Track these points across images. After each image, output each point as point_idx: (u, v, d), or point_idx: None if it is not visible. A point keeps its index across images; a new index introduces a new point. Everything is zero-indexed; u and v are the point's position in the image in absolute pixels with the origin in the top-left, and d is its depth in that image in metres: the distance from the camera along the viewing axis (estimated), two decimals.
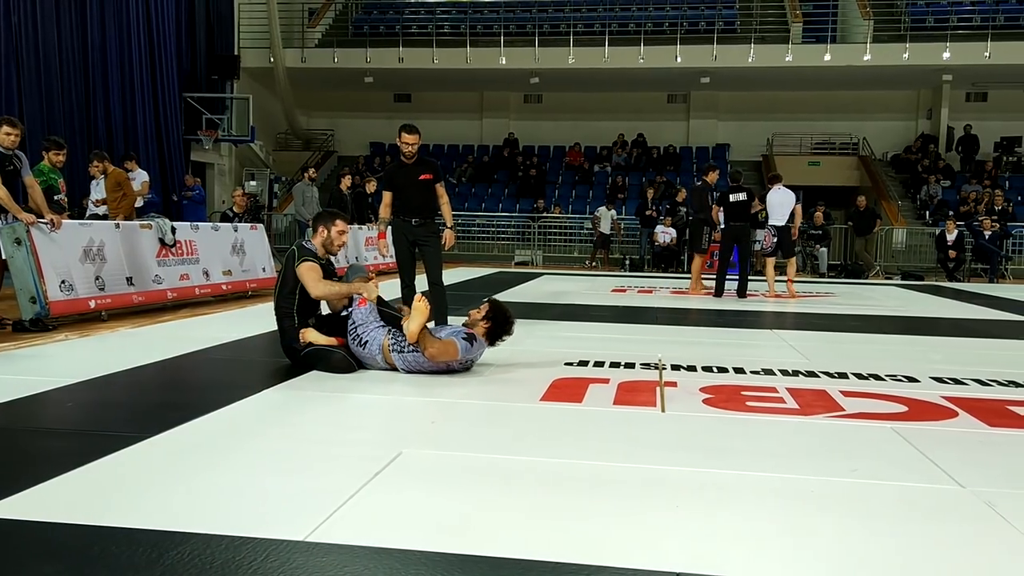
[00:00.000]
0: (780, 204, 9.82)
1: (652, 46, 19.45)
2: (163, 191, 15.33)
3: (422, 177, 5.94)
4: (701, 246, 10.46)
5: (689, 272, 15.81)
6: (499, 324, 4.64)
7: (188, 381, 4.57)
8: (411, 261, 6.11)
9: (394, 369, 4.47)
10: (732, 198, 9.58)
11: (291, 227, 17.48)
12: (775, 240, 9.95)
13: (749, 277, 10.14)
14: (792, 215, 9.83)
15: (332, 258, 4.98)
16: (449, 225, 6.18)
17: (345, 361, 4.48)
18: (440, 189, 6.07)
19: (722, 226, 10.20)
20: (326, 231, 4.79)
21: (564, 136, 22.66)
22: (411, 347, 4.38)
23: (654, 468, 2.89)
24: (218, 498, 2.48)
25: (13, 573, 1.92)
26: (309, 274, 4.61)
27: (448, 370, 4.48)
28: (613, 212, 17.46)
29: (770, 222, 9.95)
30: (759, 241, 10.50)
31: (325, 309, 4.89)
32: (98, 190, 9.95)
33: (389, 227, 6.10)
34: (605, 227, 17.13)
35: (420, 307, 4.31)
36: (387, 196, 6.06)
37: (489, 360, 4.96)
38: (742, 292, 9.79)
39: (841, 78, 19.89)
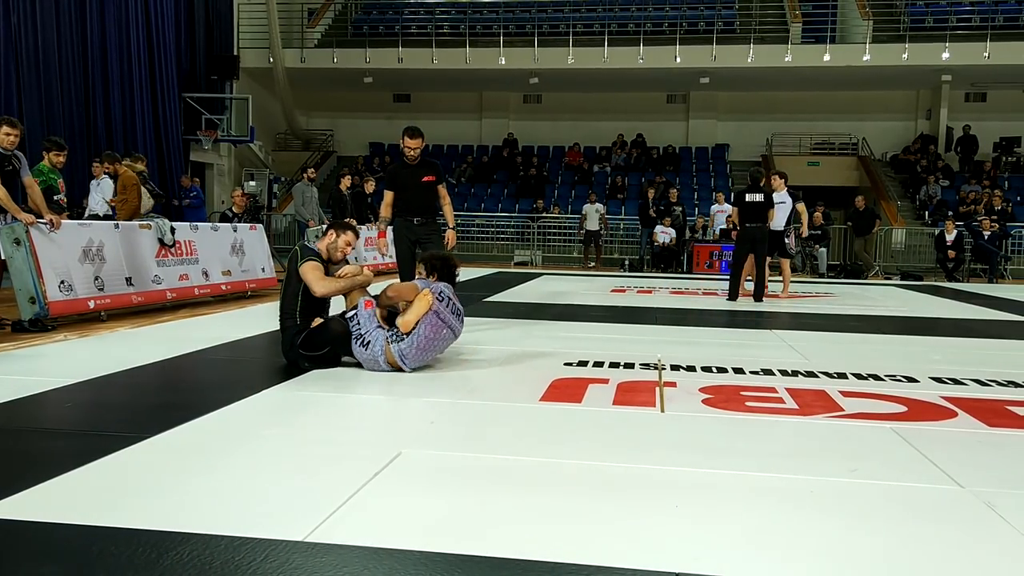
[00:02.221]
0: (778, 210, 9.89)
1: (651, 46, 19.46)
2: (162, 191, 15.31)
3: (424, 179, 6.03)
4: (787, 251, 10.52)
5: (689, 272, 15.96)
6: (445, 273, 4.74)
7: (188, 381, 4.57)
8: (412, 260, 6.13)
9: (396, 370, 4.47)
10: (748, 198, 9.36)
11: (291, 227, 17.50)
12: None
13: (765, 280, 9.75)
14: (790, 219, 10.18)
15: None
16: (451, 226, 6.26)
17: (343, 325, 4.53)
18: (442, 190, 6.16)
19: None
20: (335, 236, 4.85)
21: (563, 136, 22.66)
22: (403, 335, 4.45)
23: (653, 468, 2.89)
24: (218, 498, 2.48)
25: (13, 573, 1.92)
26: (312, 273, 4.65)
27: (444, 343, 4.63)
28: (599, 206, 17.23)
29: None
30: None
31: (332, 310, 4.91)
32: (99, 190, 9.95)
33: (390, 226, 6.18)
34: (592, 224, 17.06)
35: (427, 299, 4.47)
36: (388, 195, 6.14)
37: (489, 360, 4.97)
38: (758, 296, 9.49)
39: (840, 78, 19.90)
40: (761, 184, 9.52)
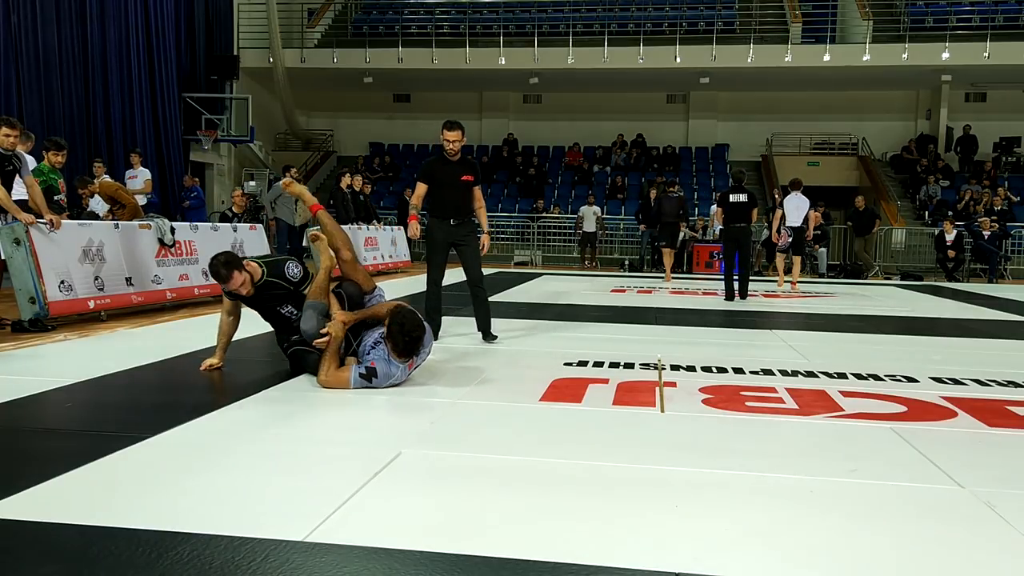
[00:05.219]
0: (796, 208, 11.19)
1: (651, 46, 19.46)
2: (162, 191, 15.33)
3: (464, 177, 5.78)
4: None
5: (689, 272, 15.98)
6: (396, 342, 4.00)
7: (187, 381, 4.57)
8: (443, 261, 5.91)
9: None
10: (732, 199, 9.56)
11: (284, 227, 17.47)
12: (790, 239, 11.35)
13: (749, 278, 10.15)
14: (806, 218, 11.26)
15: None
16: (485, 230, 6.03)
17: (316, 365, 4.35)
18: (477, 192, 5.93)
19: (721, 226, 10.30)
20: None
21: (563, 136, 22.66)
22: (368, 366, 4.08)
23: (653, 468, 2.89)
24: (218, 498, 2.48)
25: (12, 573, 1.92)
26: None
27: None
28: (596, 209, 17.35)
29: (787, 223, 11.24)
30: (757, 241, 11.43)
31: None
32: (98, 205, 9.97)
33: (415, 222, 5.99)
34: (589, 226, 17.12)
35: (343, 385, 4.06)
36: (421, 188, 5.87)
37: (489, 360, 4.97)
38: (743, 293, 9.79)
39: (840, 78, 19.91)
40: (744, 184, 9.84)
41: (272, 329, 4.73)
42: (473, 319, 6.00)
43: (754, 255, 12.58)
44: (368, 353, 4.14)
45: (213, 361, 4.56)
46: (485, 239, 5.96)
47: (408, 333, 3.99)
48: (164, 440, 3.09)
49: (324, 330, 4.14)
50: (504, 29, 20.34)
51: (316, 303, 4.30)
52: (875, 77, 19.81)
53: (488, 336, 5.82)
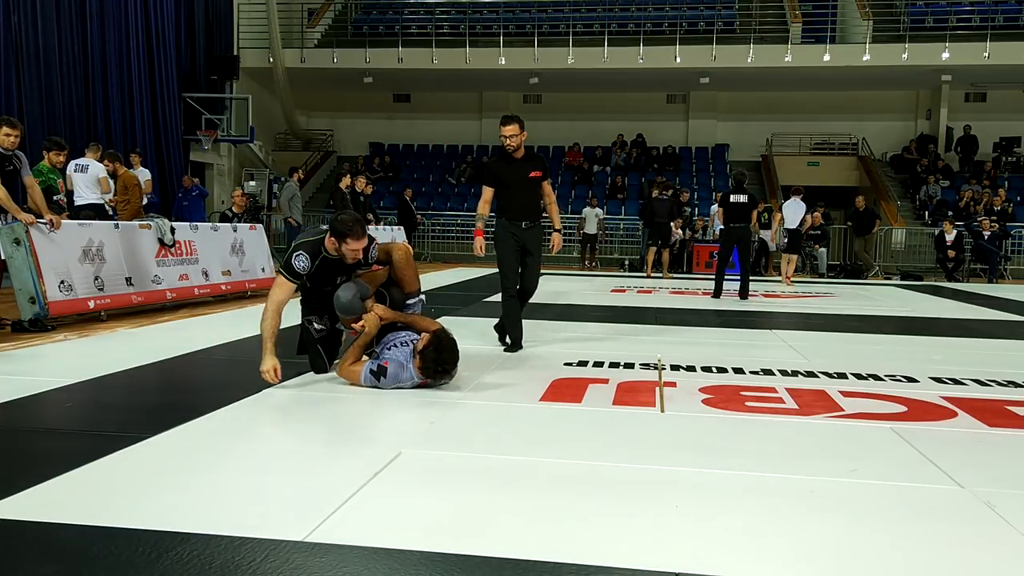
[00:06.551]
0: (793, 213, 12.85)
1: (651, 46, 19.46)
2: (162, 191, 15.33)
3: (532, 174, 5.38)
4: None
5: (689, 272, 16.00)
6: (427, 362, 4.00)
7: (187, 381, 4.57)
8: (517, 268, 5.53)
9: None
10: (733, 199, 9.65)
11: (297, 227, 17.49)
12: (786, 240, 12.85)
13: (749, 278, 10.20)
14: (802, 221, 12.90)
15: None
16: (557, 227, 5.62)
17: (322, 370, 4.43)
18: (547, 187, 5.54)
19: (721, 226, 10.35)
20: (337, 245, 4.20)
21: (563, 136, 22.65)
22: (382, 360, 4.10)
23: (654, 468, 2.89)
24: (218, 498, 2.48)
25: (13, 573, 1.92)
26: (272, 293, 4.25)
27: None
28: (598, 211, 17.37)
29: (784, 225, 12.83)
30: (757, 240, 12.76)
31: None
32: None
33: (481, 238, 5.66)
34: (590, 227, 17.15)
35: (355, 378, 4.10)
36: (488, 192, 5.49)
37: (489, 360, 4.97)
38: (744, 294, 9.82)
39: (840, 78, 19.90)
40: (745, 185, 9.97)
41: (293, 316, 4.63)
42: (474, 319, 5.98)
43: (752, 255, 12.89)
44: (389, 349, 4.16)
45: (276, 364, 4.04)
46: (556, 238, 5.58)
47: (441, 363, 4.01)
48: (164, 440, 3.09)
49: (359, 324, 4.21)
50: (504, 29, 20.34)
51: (363, 284, 4.31)
52: (875, 77, 19.80)
53: (504, 341, 5.55)
